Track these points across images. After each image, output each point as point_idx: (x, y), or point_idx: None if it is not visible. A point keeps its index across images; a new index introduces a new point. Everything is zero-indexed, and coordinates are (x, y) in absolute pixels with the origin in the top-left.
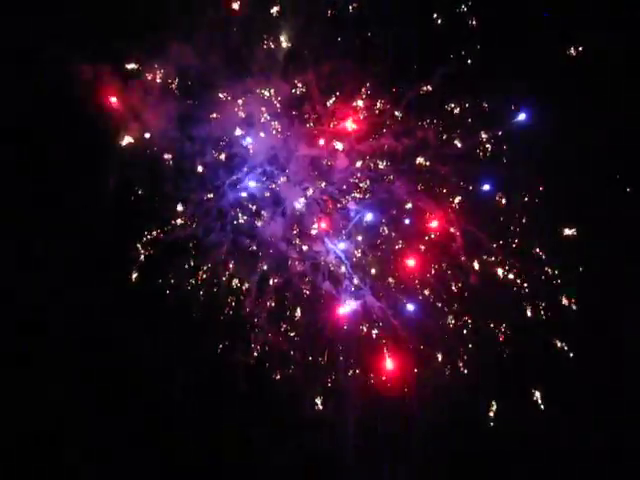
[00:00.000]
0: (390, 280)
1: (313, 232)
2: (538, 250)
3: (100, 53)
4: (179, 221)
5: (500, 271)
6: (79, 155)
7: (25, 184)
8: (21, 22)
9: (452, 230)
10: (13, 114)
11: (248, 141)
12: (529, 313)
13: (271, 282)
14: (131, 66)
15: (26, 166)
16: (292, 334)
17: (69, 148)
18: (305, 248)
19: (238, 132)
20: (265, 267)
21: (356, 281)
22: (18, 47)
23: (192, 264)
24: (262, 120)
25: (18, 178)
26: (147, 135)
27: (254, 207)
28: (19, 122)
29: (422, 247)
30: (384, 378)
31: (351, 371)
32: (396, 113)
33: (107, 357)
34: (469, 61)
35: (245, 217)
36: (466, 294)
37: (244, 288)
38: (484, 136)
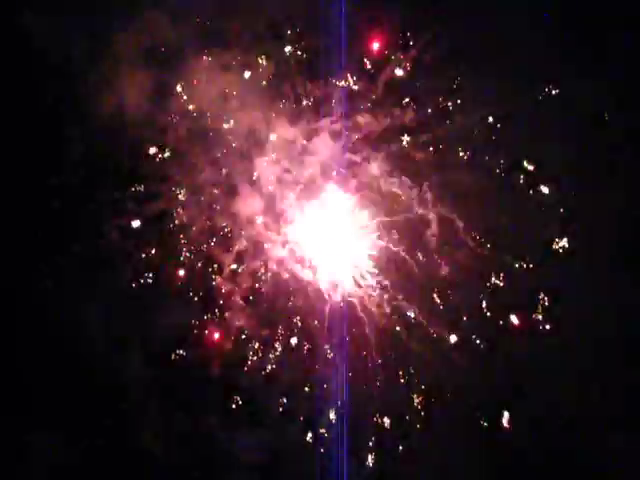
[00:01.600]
0: (370, 267)
1: (291, 215)
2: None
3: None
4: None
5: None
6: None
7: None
8: None
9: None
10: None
11: (226, 118)
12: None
13: (247, 264)
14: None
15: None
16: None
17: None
18: (283, 231)
19: (216, 108)
20: (240, 248)
21: (336, 268)
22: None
23: (166, 242)
24: (241, 97)
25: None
26: (122, 108)
27: (231, 186)
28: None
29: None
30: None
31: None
32: (376, 94)
33: (107, 357)
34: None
35: (221, 196)
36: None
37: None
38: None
